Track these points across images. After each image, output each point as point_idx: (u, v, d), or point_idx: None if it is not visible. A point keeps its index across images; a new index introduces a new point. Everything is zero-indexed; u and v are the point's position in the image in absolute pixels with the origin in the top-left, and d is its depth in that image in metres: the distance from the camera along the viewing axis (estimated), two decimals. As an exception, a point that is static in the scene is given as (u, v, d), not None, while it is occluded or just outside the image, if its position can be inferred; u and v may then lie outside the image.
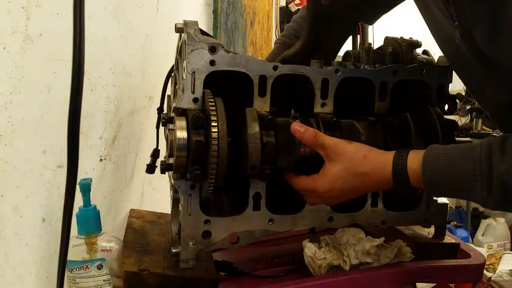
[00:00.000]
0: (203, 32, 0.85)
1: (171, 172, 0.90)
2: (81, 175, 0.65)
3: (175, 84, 0.99)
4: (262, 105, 0.87)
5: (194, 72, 0.83)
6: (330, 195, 0.84)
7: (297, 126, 0.84)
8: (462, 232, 3.39)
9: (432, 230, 1.03)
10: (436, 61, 1.01)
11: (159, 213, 1.21)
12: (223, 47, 0.84)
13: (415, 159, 0.78)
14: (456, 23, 0.81)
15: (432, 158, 0.77)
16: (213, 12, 2.34)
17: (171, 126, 0.87)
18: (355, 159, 0.81)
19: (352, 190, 0.83)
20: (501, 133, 0.76)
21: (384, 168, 0.80)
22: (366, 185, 0.83)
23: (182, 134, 0.80)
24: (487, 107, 0.93)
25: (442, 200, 1.03)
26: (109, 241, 0.80)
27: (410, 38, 1.02)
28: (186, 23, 0.85)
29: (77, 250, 0.76)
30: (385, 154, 0.82)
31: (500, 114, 0.91)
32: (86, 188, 0.76)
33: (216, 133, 0.79)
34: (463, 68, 0.93)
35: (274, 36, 4.04)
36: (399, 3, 1.17)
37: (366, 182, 0.82)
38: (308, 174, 0.86)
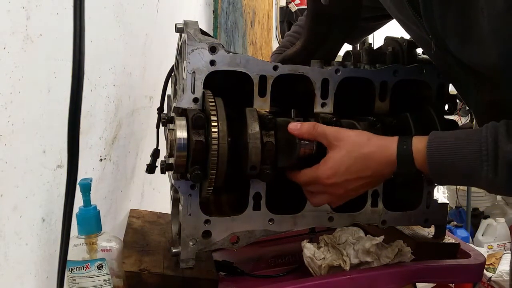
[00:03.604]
0: (203, 32, 0.85)
1: (171, 172, 0.90)
2: (81, 175, 0.65)
3: (175, 84, 0.99)
4: (262, 105, 0.87)
5: (194, 72, 0.83)
6: (333, 181, 0.82)
7: (292, 125, 0.84)
8: (462, 232, 3.39)
9: (432, 230, 1.03)
10: (436, 61, 1.01)
11: (159, 213, 1.21)
12: (223, 47, 0.84)
13: (420, 140, 0.78)
14: (430, 35, 0.82)
15: (438, 140, 0.77)
16: (213, 12, 2.34)
17: (171, 126, 0.87)
18: (358, 142, 0.81)
19: (355, 174, 0.82)
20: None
21: (388, 148, 0.80)
22: (370, 168, 0.81)
23: (182, 134, 0.80)
24: (471, 107, 0.95)
25: (442, 200, 1.03)
26: (109, 241, 0.79)
27: (410, 38, 1.02)
28: (186, 23, 0.85)
29: (77, 250, 0.76)
30: (388, 137, 0.82)
31: (483, 114, 0.92)
32: (86, 188, 0.76)
33: (216, 133, 0.79)
34: (446, 72, 0.94)
35: (274, 36, 4.04)
36: (382, 25, 1.22)
37: (370, 165, 0.81)
38: None
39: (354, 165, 0.81)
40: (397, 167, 0.80)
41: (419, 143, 0.78)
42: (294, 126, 0.84)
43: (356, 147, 0.81)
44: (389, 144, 0.80)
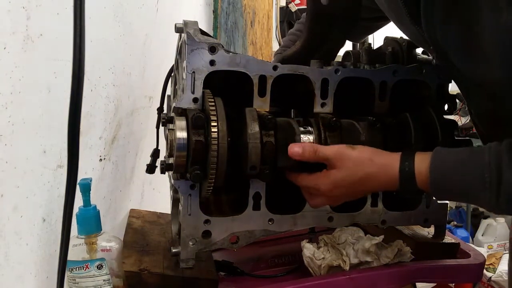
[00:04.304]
0: (202, 32, 0.85)
1: (171, 172, 0.90)
2: (80, 175, 0.65)
3: (175, 84, 0.99)
4: (262, 105, 0.87)
5: (194, 72, 0.83)
6: (332, 194, 0.83)
7: (295, 148, 0.82)
8: (462, 232, 3.39)
9: (432, 230, 1.03)
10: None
11: (159, 213, 1.21)
12: (223, 47, 0.84)
13: (422, 161, 0.78)
14: (431, 46, 0.83)
15: (440, 163, 0.77)
16: (213, 12, 2.34)
17: (171, 126, 0.87)
18: (360, 162, 0.81)
19: (356, 189, 0.83)
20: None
21: (391, 168, 0.80)
22: (371, 186, 0.83)
23: (182, 134, 0.80)
24: (472, 108, 0.95)
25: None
26: (109, 241, 0.80)
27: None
28: (186, 23, 0.85)
29: (77, 250, 0.76)
30: (391, 155, 0.82)
31: (483, 119, 0.93)
32: (86, 188, 0.76)
33: (216, 133, 0.79)
34: (449, 72, 0.94)
35: (274, 36, 4.04)
36: (386, 24, 1.21)
37: (372, 184, 0.82)
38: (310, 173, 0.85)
39: (355, 184, 0.82)
40: (399, 187, 0.80)
41: (421, 164, 0.78)
42: (296, 150, 0.82)
43: (359, 167, 0.81)
44: (391, 164, 0.80)
